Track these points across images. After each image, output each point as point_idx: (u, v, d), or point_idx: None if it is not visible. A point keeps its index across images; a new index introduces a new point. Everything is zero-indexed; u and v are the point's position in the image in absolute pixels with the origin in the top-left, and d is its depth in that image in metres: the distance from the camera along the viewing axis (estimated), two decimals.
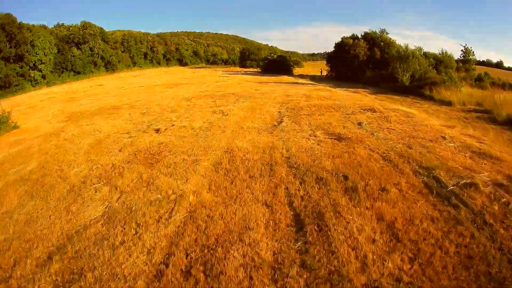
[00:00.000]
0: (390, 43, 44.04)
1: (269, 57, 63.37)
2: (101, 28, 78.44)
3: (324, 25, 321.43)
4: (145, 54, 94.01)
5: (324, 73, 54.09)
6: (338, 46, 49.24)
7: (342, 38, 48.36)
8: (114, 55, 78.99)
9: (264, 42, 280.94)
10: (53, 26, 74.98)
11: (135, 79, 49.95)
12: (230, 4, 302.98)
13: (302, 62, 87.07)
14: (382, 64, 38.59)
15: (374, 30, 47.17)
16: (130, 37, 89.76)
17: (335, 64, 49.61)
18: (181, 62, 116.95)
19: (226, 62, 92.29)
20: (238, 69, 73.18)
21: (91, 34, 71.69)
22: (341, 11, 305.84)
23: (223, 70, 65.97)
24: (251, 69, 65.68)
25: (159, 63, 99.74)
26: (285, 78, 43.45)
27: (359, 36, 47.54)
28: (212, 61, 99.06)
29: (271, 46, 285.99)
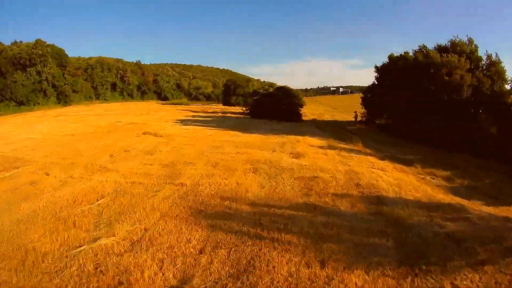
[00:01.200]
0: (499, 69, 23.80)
1: (261, 91, 43.43)
2: (60, 50, 64.44)
3: (317, 59, 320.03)
4: (113, 85, 79.87)
5: (359, 117, 35.59)
6: (393, 69, 29.10)
7: (403, 54, 28.98)
8: (70, 83, 64.53)
9: (256, 77, 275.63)
10: (9, 44, 61.33)
11: (74, 119, 34.97)
12: (223, 39, 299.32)
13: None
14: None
15: (462, 40, 25.96)
16: (97, 64, 75.99)
17: (386, 104, 28.52)
18: (160, 96, 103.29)
19: (208, 98, 78.65)
20: (218, 107, 58.95)
21: (40, 54, 57.45)
22: (335, 46, 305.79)
23: (195, 109, 50.46)
24: (237, 108, 50.29)
25: (131, 96, 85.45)
26: (302, 139, 21.06)
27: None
28: (194, 95, 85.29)
29: (263, 81, 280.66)
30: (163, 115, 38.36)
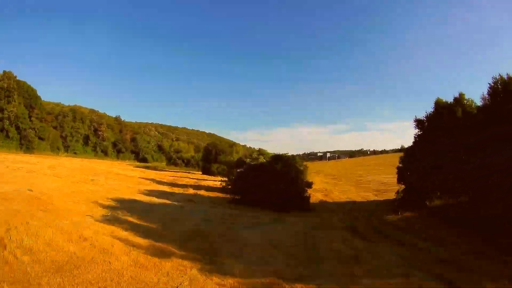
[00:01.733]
0: None
1: (248, 160, 29.34)
2: (31, 88, 55.76)
3: (302, 125, 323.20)
4: (86, 138, 68.91)
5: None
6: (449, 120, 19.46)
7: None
8: (37, 128, 53.98)
9: (242, 143, 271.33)
10: None
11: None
12: (210, 104, 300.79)
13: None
14: None
15: None
16: (70, 112, 65.96)
17: (450, 172, 17.16)
18: (138, 156, 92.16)
19: (187, 163, 67.91)
20: (195, 176, 47.81)
21: (5, 88, 49.05)
22: (321, 113, 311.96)
23: (165, 179, 37.88)
24: (217, 179, 37.95)
25: (105, 153, 74.38)
26: None
27: None
28: (173, 160, 74.48)
29: (250, 147, 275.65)
30: (111, 185, 26.32)
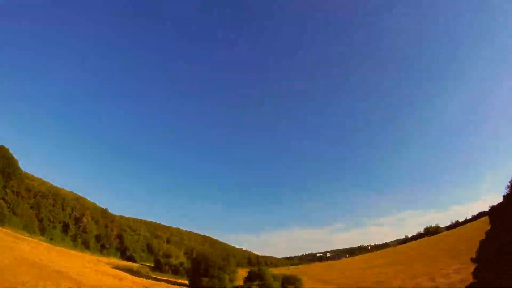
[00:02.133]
0: None
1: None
2: (10, 155, 54.52)
3: (299, 227, 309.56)
4: (66, 226, 64.09)
5: None
6: None
7: None
8: (10, 201, 50.99)
9: (237, 246, 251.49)
10: None
11: None
12: (204, 207, 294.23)
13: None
14: None
15: None
16: (49, 193, 62.97)
17: None
18: (124, 255, 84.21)
19: (176, 271, 60.67)
20: None
21: None
22: (318, 214, 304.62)
23: None
24: None
25: (87, 247, 67.66)
26: None
27: None
28: (161, 264, 67.51)
29: (245, 250, 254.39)
30: None
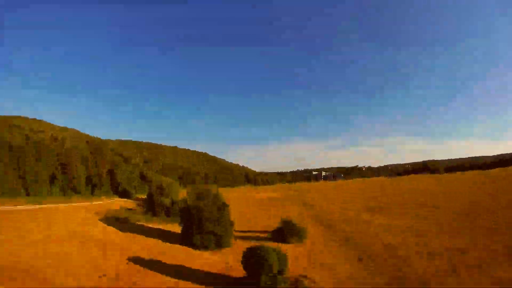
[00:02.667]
0: None
1: None
2: None
3: (296, 141, 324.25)
4: (52, 177, 61.34)
5: None
6: None
7: None
8: None
9: (234, 162, 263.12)
10: None
11: None
12: (201, 120, 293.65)
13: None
14: None
15: None
16: (31, 147, 58.45)
17: None
18: (117, 190, 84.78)
19: (168, 212, 60.84)
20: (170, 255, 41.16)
21: None
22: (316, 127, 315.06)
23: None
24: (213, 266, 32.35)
25: (75, 191, 66.59)
26: None
27: None
28: (153, 204, 67.75)
29: (242, 166, 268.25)
30: None
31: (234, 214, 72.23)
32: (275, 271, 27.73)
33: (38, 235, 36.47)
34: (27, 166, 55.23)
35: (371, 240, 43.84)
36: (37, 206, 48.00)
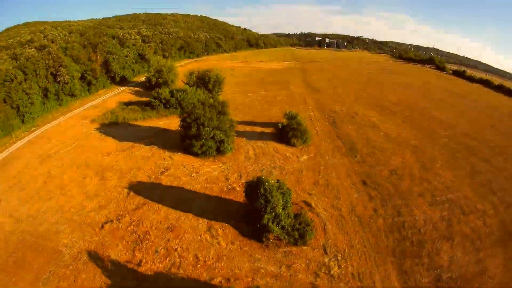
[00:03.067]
0: None
1: None
2: None
3: (300, 3, 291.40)
4: (45, 91, 57.22)
5: None
6: None
7: None
8: None
9: (235, 25, 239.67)
10: None
11: None
12: None
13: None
14: None
15: None
16: (18, 71, 52.26)
17: None
18: (114, 79, 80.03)
19: (166, 104, 58.00)
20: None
21: None
22: None
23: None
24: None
25: (72, 96, 63.24)
26: None
27: None
28: (151, 84, 64.19)
29: (244, 29, 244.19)
30: None
31: (234, 96, 68.88)
32: (278, 211, 26.75)
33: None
34: (18, 94, 50.10)
35: (375, 157, 41.37)
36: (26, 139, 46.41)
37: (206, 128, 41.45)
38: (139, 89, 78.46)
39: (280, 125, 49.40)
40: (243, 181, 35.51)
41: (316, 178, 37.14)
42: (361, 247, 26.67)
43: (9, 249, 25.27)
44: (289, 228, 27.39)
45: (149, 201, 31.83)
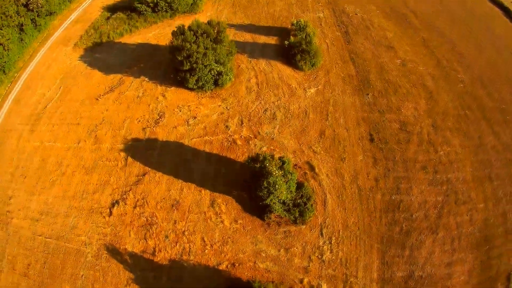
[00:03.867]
0: None
1: None
2: None
3: None
4: (20, 28, 46.03)
5: None
6: None
7: None
8: None
9: None
10: None
11: None
12: None
13: None
14: None
15: None
16: None
17: None
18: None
19: (155, 8, 46.27)
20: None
21: None
22: None
23: None
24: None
25: (51, 14, 49.43)
26: None
27: None
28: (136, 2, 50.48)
29: None
30: None
31: None
32: (281, 197, 27.19)
33: None
34: None
35: (387, 98, 36.78)
36: None
37: (200, 65, 35.81)
38: None
39: (286, 43, 42.21)
40: (244, 130, 34.02)
41: (323, 126, 34.92)
42: (355, 229, 28.18)
43: (38, 258, 27.20)
44: (290, 204, 28.45)
45: (149, 169, 31.59)
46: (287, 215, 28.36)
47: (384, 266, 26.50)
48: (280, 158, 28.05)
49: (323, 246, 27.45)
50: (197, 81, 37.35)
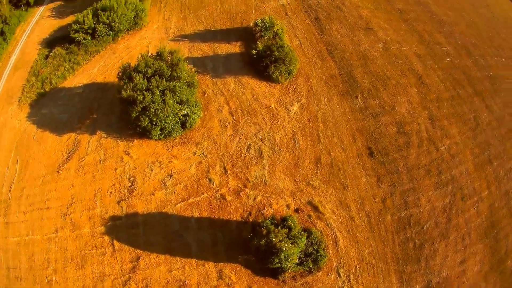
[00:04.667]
0: None
1: None
2: None
3: None
4: None
5: None
6: None
7: None
8: None
9: None
10: None
11: None
12: None
13: None
14: None
15: None
16: None
17: None
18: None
19: (94, 34, 38.69)
20: None
21: None
22: None
23: None
24: None
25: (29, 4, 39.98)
26: None
27: None
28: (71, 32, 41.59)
29: None
30: None
31: None
32: (295, 261, 25.56)
33: None
34: None
35: (378, 97, 33.29)
36: None
37: (161, 116, 30.94)
38: (59, 2, 53.13)
39: (254, 52, 36.96)
40: (230, 180, 30.78)
41: (316, 151, 31.71)
42: (371, 259, 27.40)
43: None
44: (302, 256, 26.93)
45: (141, 252, 28.36)
46: (301, 268, 26.76)
47: (403, 284, 26.31)
48: (283, 221, 25.50)
49: (343, 286, 26.46)
50: (161, 130, 32.60)
